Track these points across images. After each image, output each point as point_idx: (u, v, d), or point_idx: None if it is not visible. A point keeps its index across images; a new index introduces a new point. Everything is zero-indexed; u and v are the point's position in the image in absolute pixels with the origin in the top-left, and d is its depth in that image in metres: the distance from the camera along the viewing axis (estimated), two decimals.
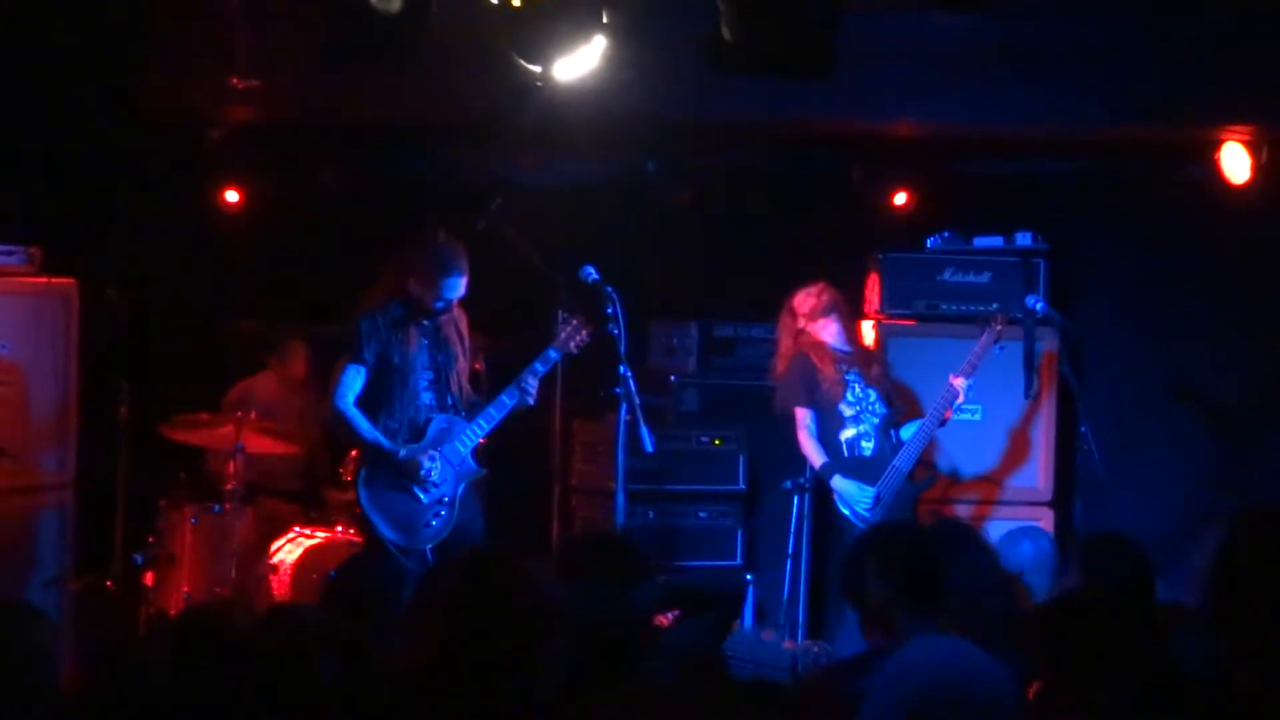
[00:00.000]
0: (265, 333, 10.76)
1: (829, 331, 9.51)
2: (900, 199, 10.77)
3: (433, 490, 8.48)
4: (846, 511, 9.26)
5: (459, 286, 8.47)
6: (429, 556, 8.46)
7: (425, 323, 8.53)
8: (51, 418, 9.53)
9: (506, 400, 8.49)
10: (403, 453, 8.42)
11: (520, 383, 8.51)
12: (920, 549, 6.14)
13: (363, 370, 8.47)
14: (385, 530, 8.45)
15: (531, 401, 8.59)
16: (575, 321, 8.66)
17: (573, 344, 8.66)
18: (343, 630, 5.10)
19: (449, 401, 8.60)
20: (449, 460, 8.50)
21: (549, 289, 9.19)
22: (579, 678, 5.30)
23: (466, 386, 8.70)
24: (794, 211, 10.87)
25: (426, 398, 8.57)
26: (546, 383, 8.73)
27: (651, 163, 10.65)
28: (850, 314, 9.76)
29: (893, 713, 5.67)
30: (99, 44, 9.02)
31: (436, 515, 8.50)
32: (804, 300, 9.53)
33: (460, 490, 8.56)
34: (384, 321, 8.48)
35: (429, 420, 8.54)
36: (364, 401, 8.51)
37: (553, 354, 8.64)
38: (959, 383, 9.32)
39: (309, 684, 4.89)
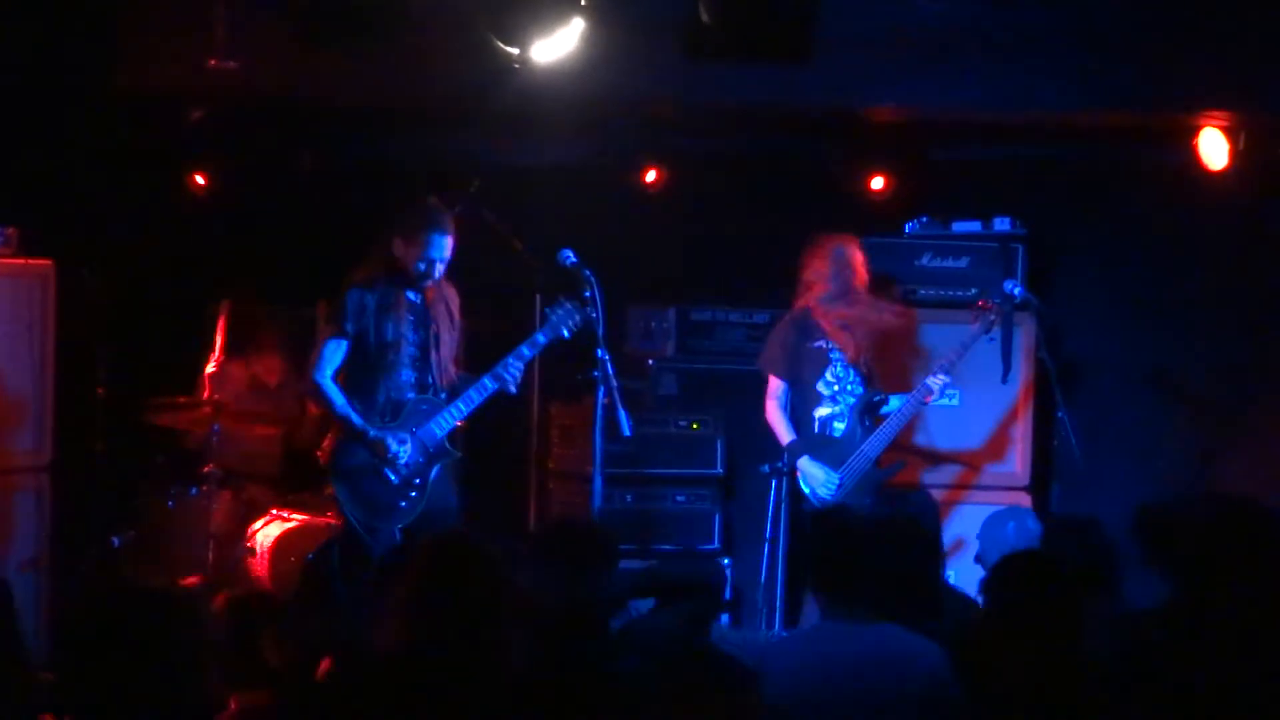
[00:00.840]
0: (245, 315, 10.73)
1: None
2: (878, 184, 10.76)
3: (403, 471, 8.43)
4: (807, 490, 9.29)
5: (444, 246, 8.40)
6: (397, 537, 8.42)
7: (413, 299, 8.49)
8: (29, 400, 9.49)
9: (488, 384, 8.44)
10: (372, 433, 8.37)
11: (504, 367, 8.47)
12: (836, 540, 6.20)
13: (344, 343, 8.41)
14: (350, 508, 8.41)
15: (513, 389, 8.55)
16: (568, 305, 8.63)
17: (564, 328, 8.63)
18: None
19: (429, 381, 8.56)
20: (424, 442, 8.48)
21: (527, 272, 9.20)
22: (544, 661, 5.32)
23: (452, 367, 8.64)
24: (772, 196, 10.87)
25: (407, 375, 8.51)
26: (525, 367, 8.70)
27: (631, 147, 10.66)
28: None
29: (779, 703, 5.73)
30: (75, 24, 9.01)
31: (405, 497, 8.45)
32: (863, 262, 9.50)
33: (434, 473, 8.52)
34: (370, 295, 8.43)
35: (406, 400, 8.51)
36: (347, 376, 8.47)
37: (540, 338, 8.59)
38: (935, 383, 9.31)
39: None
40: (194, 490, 9.79)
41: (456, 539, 5.53)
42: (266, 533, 9.69)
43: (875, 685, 5.75)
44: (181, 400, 9.94)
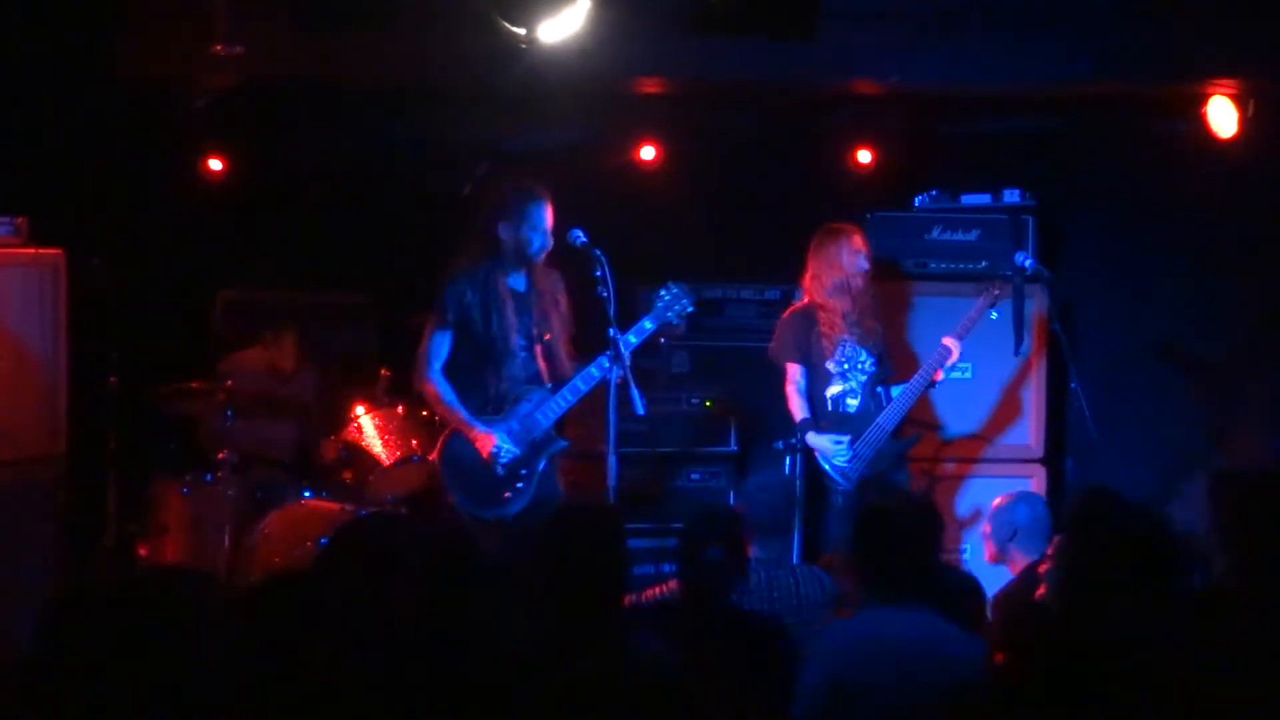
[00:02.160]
0: (259, 303, 10.74)
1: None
2: (886, 158, 10.76)
3: (507, 464, 8.47)
4: (827, 467, 9.30)
5: (547, 214, 8.46)
6: (510, 526, 8.46)
7: (516, 288, 8.53)
8: (41, 390, 9.50)
9: (594, 372, 8.43)
10: (480, 428, 8.44)
11: (608, 355, 8.43)
12: (878, 526, 6.22)
13: (448, 334, 8.48)
14: (459, 498, 8.48)
15: (623, 372, 8.39)
16: (676, 290, 8.62)
17: (670, 313, 8.62)
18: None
19: (536, 370, 8.62)
20: (529, 432, 8.51)
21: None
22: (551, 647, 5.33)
23: (564, 357, 8.64)
24: (780, 172, 10.87)
25: (514, 366, 8.57)
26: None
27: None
28: None
29: (822, 683, 5.75)
30: (78, 11, 9.01)
31: (511, 488, 8.52)
32: (863, 246, 9.48)
33: (542, 464, 8.57)
34: (472, 285, 8.47)
35: (515, 390, 8.56)
36: (455, 368, 8.51)
37: (648, 324, 8.60)
38: (951, 343, 9.34)
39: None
40: (208, 477, 9.77)
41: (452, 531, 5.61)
42: (281, 519, 9.67)
43: (918, 670, 5.77)
44: (194, 386, 9.92)
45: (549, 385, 8.63)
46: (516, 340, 8.54)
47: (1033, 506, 8.16)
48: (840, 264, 9.39)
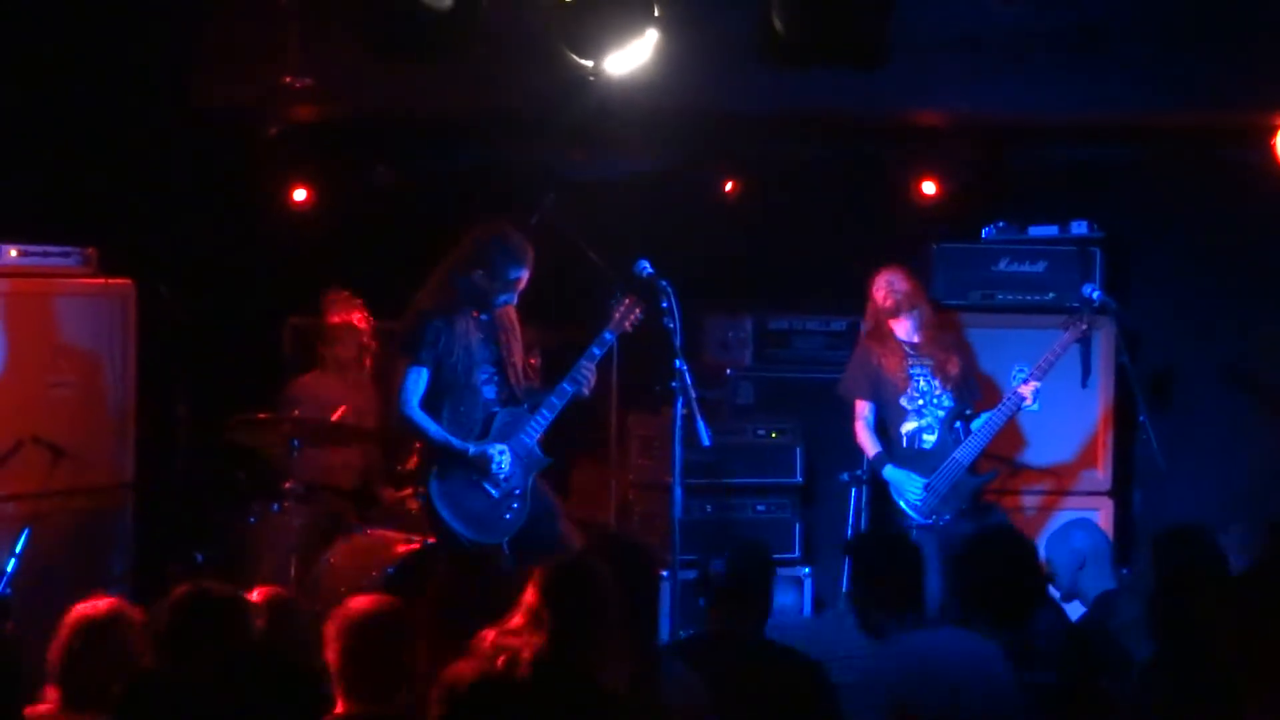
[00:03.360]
0: (320, 328, 10.77)
1: (902, 327, 9.52)
2: (955, 189, 10.72)
3: (503, 484, 8.48)
4: (901, 503, 9.27)
5: (525, 276, 8.50)
6: (505, 550, 8.47)
7: (482, 317, 8.54)
8: (111, 419, 9.57)
9: (567, 388, 8.48)
10: (473, 449, 8.43)
11: (578, 370, 8.52)
12: (889, 557, 6.26)
13: (424, 371, 8.47)
14: (460, 528, 8.46)
15: (586, 391, 8.58)
16: (627, 301, 8.66)
17: (627, 323, 8.65)
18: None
19: (510, 394, 8.62)
20: (516, 453, 8.51)
21: (604, 284, 9.20)
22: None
23: (523, 377, 8.69)
24: (847, 202, 10.84)
25: (489, 392, 8.58)
26: (603, 377, 8.72)
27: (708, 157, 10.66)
28: (927, 303, 9.73)
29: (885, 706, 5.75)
30: (152, 43, 9.07)
31: (509, 509, 8.52)
32: (884, 294, 9.51)
33: (530, 482, 8.57)
34: (443, 320, 8.48)
35: (493, 415, 8.56)
36: (428, 401, 8.52)
37: (608, 336, 8.64)
38: (1027, 390, 9.30)
39: None
40: (275, 506, 9.79)
41: (573, 562, 5.66)
42: (347, 548, 9.69)
43: (960, 693, 5.77)
44: (262, 418, 9.96)
45: (525, 405, 8.63)
46: (484, 370, 8.58)
47: (1089, 532, 8.11)
48: (875, 302, 9.46)
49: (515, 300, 8.59)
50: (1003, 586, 6.24)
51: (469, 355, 8.49)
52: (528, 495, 8.56)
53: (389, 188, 10.76)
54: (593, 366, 8.55)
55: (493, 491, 8.47)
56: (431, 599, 8.63)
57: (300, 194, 10.84)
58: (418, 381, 8.48)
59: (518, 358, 8.67)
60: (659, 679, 5.64)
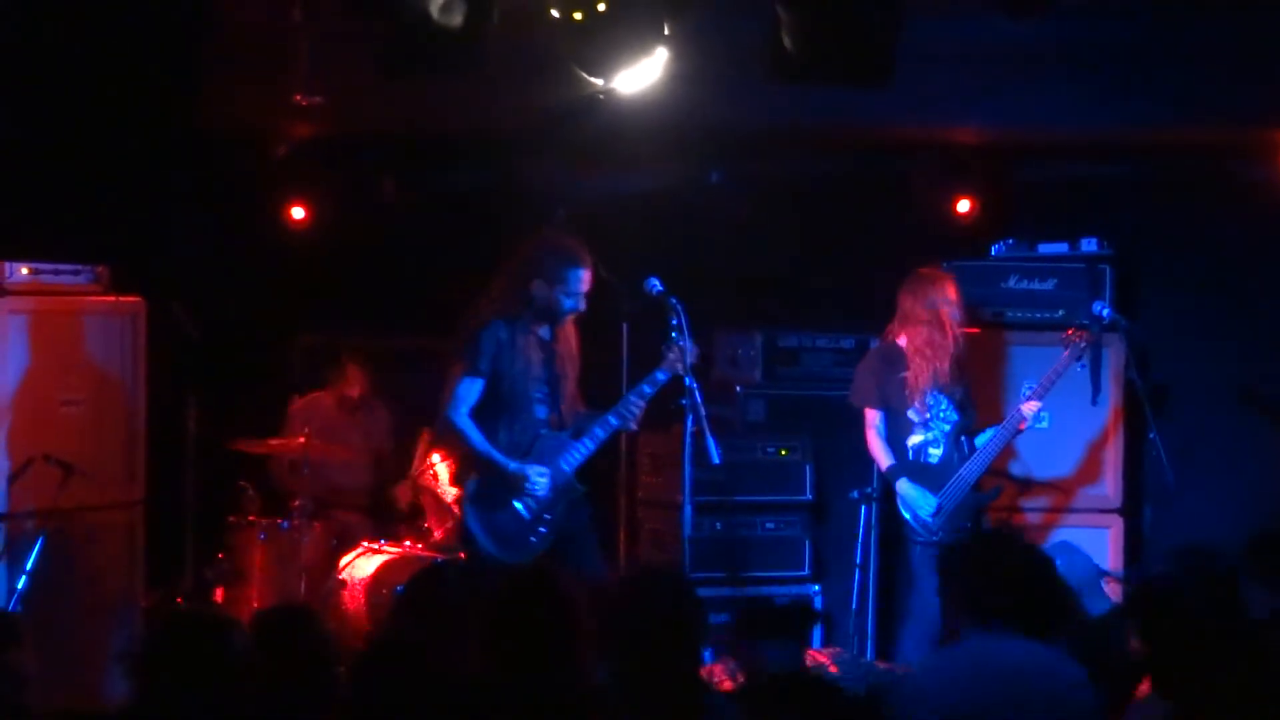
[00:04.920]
0: (330, 347, 10.79)
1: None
2: (964, 206, 10.73)
3: (534, 506, 8.47)
4: (908, 516, 9.25)
5: (585, 279, 8.46)
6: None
7: (542, 335, 8.53)
8: (121, 435, 9.58)
9: (612, 421, 8.46)
10: (513, 466, 8.40)
11: (625, 405, 8.49)
12: (977, 561, 6.20)
13: (479, 382, 8.46)
14: (486, 544, 8.44)
15: (634, 426, 8.58)
16: (684, 344, 8.62)
17: (680, 366, 8.62)
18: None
19: (559, 418, 8.60)
20: (553, 478, 8.50)
21: (613, 300, 9.19)
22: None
23: (574, 403, 8.65)
24: (856, 219, 10.84)
25: (539, 412, 8.56)
26: (613, 394, 8.71)
27: (716, 173, 10.64)
28: None
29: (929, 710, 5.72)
30: (160, 61, 9.07)
31: (535, 532, 8.48)
32: (955, 295, 9.44)
33: (560, 508, 8.54)
34: (503, 332, 8.47)
35: (539, 436, 8.54)
36: (485, 414, 8.49)
37: (660, 376, 8.57)
38: (1028, 409, 9.28)
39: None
40: (284, 524, 9.83)
41: (535, 574, 5.62)
42: (358, 565, 9.71)
43: (1022, 697, 5.74)
44: (271, 442, 10.00)
45: (569, 430, 8.60)
46: (539, 389, 8.55)
47: (1069, 559, 8.10)
48: (932, 310, 9.33)
49: (582, 306, 8.52)
50: (1025, 589, 6.19)
51: (526, 371, 8.47)
52: (557, 521, 8.52)
53: (398, 206, 10.78)
54: (642, 403, 8.50)
55: (524, 513, 8.45)
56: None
57: (309, 212, 10.87)
58: (469, 390, 8.46)
59: (571, 383, 8.62)
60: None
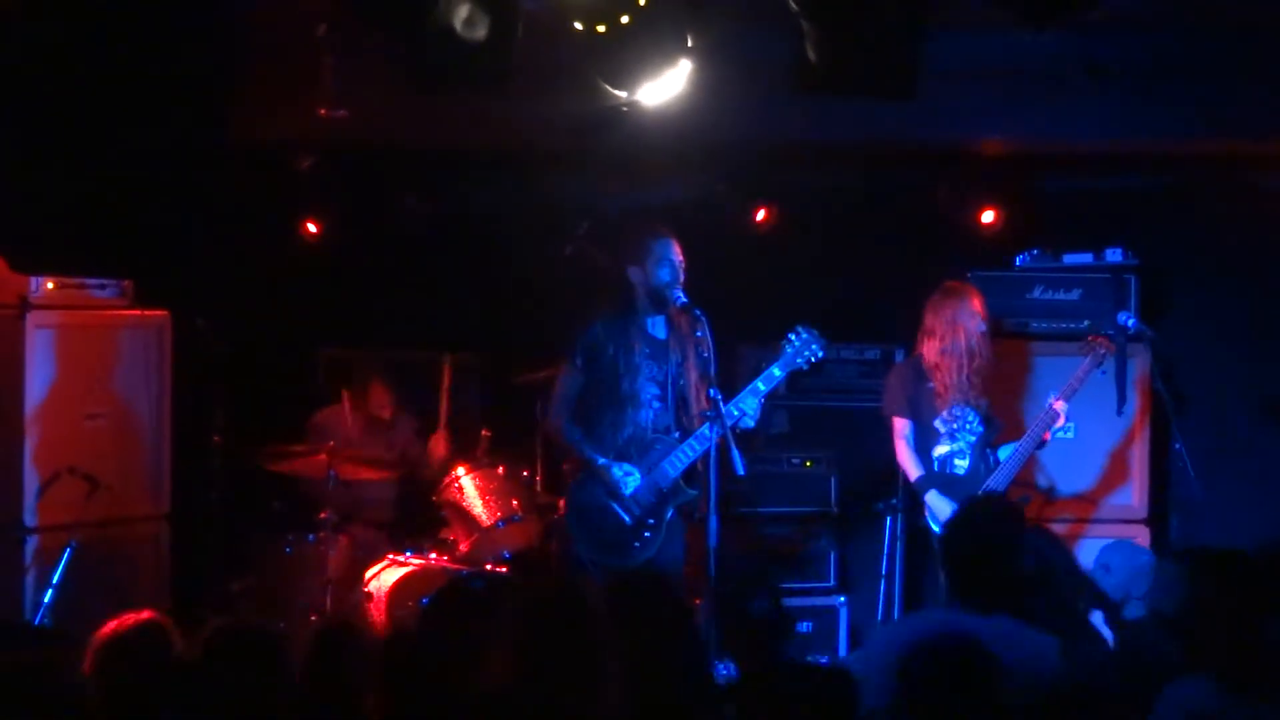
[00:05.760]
0: (353, 362, 10.80)
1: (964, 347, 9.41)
2: (988, 217, 10.72)
3: (635, 510, 8.46)
4: (936, 528, 9.23)
5: (674, 250, 8.47)
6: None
7: (653, 334, 8.55)
8: (146, 450, 9.60)
9: (726, 420, 8.26)
10: (600, 461, 8.42)
11: (738, 402, 8.44)
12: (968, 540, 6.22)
13: (577, 379, 8.51)
14: (581, 546, 8.46)
15: (750, 423, 8.48)
16: (806, 335, 8.61)
17: (800, 359, 8.60)
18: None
19: (668, 419, 8.60)
20: (657, 482, 8.49)
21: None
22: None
23: (699, 401, 8.48)
24: (881, 231, 10.84)
25: (647, 414, 8.56)
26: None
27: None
28: None
29: (880, 673, 5.72)
30: (187, 76, 9.10)
31: (639, 537, 8.49)
32: (981, 308, 9.42)
33: (669, 514, 8.54)
34: (603, 330, 8.50)
35: (644, 438, 8.54)
36: (590, 412, 8.54)
37: (776, 371, 8.59)
38: (1059, 406, 9.25)
39: None
40: (310, 536, 9.83)
41: (558, 588, 5.64)
42: (383, 577, 9.71)
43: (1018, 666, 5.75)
44: (297, 449, 10.00)
45: (676, 435, 8.58)
46: (648, 389, 8.54)
47: (1126, 555, 8.09)
48: (958, 324, 9.31)
49: (681, 276, 8.45)
50: (986, 565, 6.19)
51: (628, 366, 8.47)
52: (663, 527, 8.51)
53: (422, 219, 10.79)
54: (757, 401, 8.46)
55: (624, 516, 8.45)
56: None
57: (332, 226, 10.88)
58: (566, 387, 8.54)
59: (694, 378, 8.52)
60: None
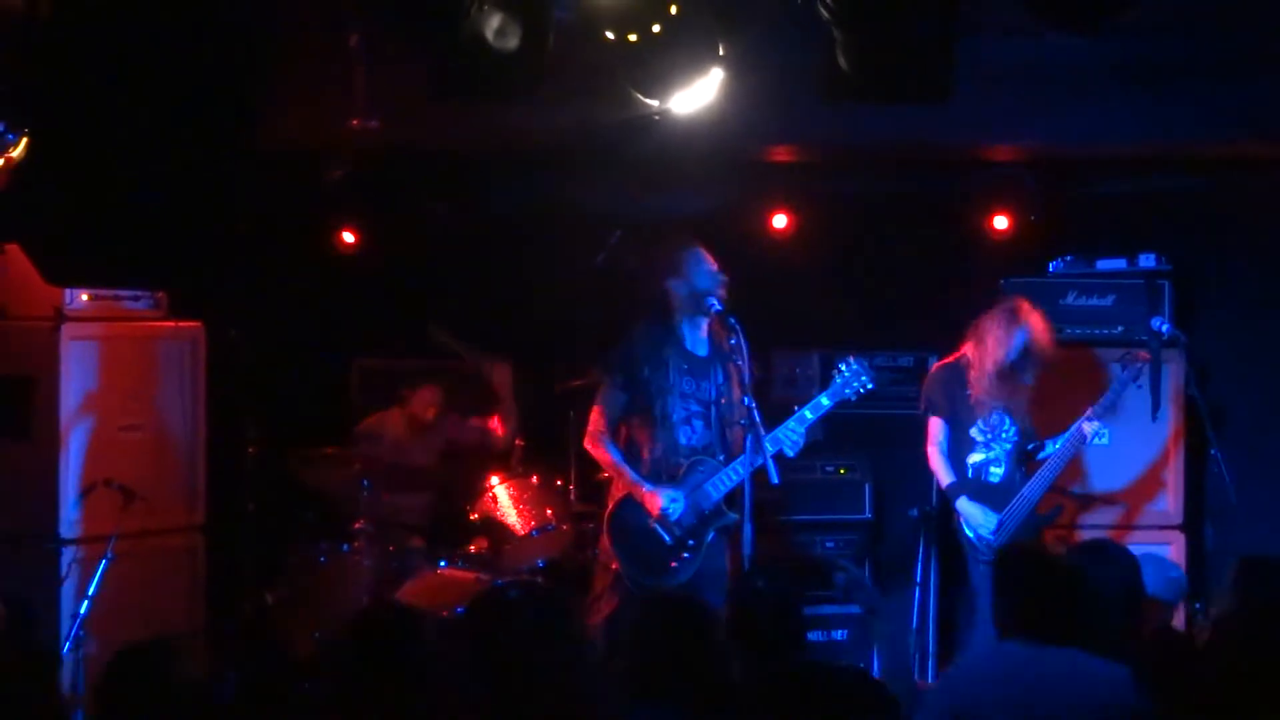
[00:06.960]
0: (388, 369, 10.81)
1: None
2: (1020, 222, 10.69)
3: (676, 531, 8.43)
4: (970, 534, 9.19)
5: (707, 256, 8.49)
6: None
7: (694, 352, 8.55)
8: (181, 461, 9.62)
9: (767, 447, 8.19)
10: (646, 486, 8.40)
11: (784, 430, 8.44)
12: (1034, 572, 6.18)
13: (618, 395, 8.52)
14: (624, 565, 8.44)
15: (791, 453, 8.48)
16: (856, 367, 8.60)
17: (849, 390, 8.59)
18: None
19: (710, 439, 8.58)
20: (698, 504, 8.47)
21: None
22: None
23: (734, 427, 8.49)
24: (913, 237, 10.82)
25: (686, 434, 8.55)
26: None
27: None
28: None
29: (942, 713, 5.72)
30: (219, 87, 9.14)
31: (678, 558, 8.46)
32: (1035, 320, 9.34)
33: (710, 536, 8.51)
34: (643, 346, 8.51)
35: (685, 460, 8.51)
36: (630, 434, 8.54)
37: (825, 400, 8.59)
38: (1088, 428, 9.20)
39: None
40: (345, 547, 9.82)
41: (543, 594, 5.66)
42: (417, 588, 9.69)
43: (1060, 705, 5.72)
44: (330, 454, 9.99)
45: (720, 457, 8.56)
46: (688, 406, 8.53)
47: (1158, 570, 8.06)
48: (1013, 347, 9.25)
49: (723, 280, 8.48)
50: (1037, 601, 6.16)
51: (668, 386, 8.46)
52: (703, 549, 8.48)
53: (452, 228, 10.79)
54: (802, 430, 8.45)
55: (665, 537, 8.43)
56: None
57: (364, 235, 10.91)
58: (611, 404, 8.53)
59: (729, 402, 8.53)
60: None
